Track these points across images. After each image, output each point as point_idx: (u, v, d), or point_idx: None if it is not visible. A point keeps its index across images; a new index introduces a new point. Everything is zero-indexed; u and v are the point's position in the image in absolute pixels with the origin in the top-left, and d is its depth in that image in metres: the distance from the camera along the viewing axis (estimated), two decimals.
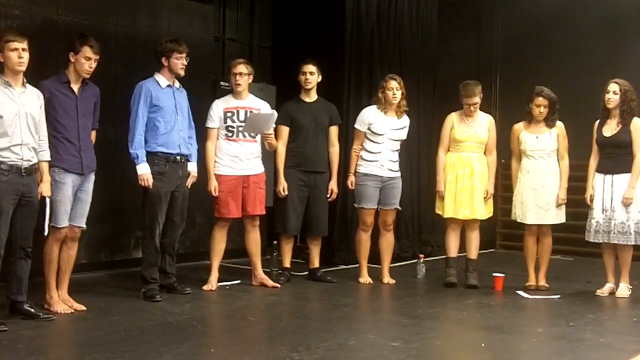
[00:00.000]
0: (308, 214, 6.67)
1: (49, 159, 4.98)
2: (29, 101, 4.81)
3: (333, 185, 6.75)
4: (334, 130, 6.79)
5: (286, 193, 6.53)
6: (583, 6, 8.76)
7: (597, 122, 6.30)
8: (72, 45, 5.15)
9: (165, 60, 5.82)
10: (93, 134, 5.39)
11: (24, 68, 4.77)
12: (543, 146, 6.40)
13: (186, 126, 5.94)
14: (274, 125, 6.26)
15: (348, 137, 7.36)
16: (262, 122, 6.16)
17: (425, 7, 8.85)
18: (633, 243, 6.04)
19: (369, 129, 6.57)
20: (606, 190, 6.13)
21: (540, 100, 6.37)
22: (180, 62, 5.82)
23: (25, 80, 4.83)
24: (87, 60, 5.14)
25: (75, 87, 5.20)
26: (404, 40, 8.52)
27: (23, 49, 4.74)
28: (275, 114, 6.19)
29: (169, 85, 5.85)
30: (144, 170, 5.66)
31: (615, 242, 6.07)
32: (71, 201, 5.15)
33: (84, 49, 5.13)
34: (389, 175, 6.61)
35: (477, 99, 6.45)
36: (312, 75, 6.63)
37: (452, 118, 6.57)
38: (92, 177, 5.30)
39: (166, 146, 5.76)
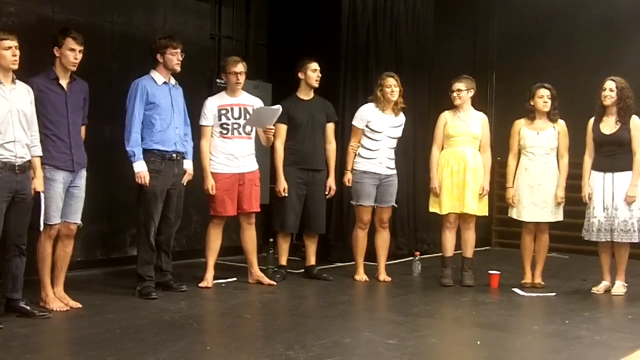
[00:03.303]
0: (306, 211, 6.65)
1: (41, 154, 4.97)
2: (19, 97, 4.80)
3: (331, 182, 6.74)
4: (330, 128, 6.79)
5: (286, 194, 6.52)
6: (579, 5, 8.73)
7: (592, 119, 6.29)
8: (55, 40, 5.14)
9: (161, 57, 5.80)
10: (83, 129, 5.37)
11: (17, 66, 4.76)
12: (543, 143, 6.40)
13: (182, 123, 5.92)
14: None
15: (344, 134, 7.36)
16: (267, 116, 6.14)
17: (421, 6, 8.84)
18: (637, 240, 6.03)
19: (367, 126, 6.57)
20: (607, 189, 6.12)
21: (543, 90, 6.39)
22: (175, 57, 5.81)
23: (14, 77, 4.81)
24: (71, 52, 5.11)
25: (64, 83, 5.17)
26: (400, 38, 8.51)
27: (16, 47, 4.73)
28: (281, 109, 6.16)
29: (165, 83, 5.83)
30: (141, 167, 5.64)
31: (618, 240, 6.05)
32: (62, 198, 5.13)
33: (67, 40, 5.10)
34: (387, 172, 6.62)
35: (461, 86, 6.46)
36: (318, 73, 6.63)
37: (445, 116, 6.59)
38: (84, 172, 5.28)
39: (162, 144, 5.74)
